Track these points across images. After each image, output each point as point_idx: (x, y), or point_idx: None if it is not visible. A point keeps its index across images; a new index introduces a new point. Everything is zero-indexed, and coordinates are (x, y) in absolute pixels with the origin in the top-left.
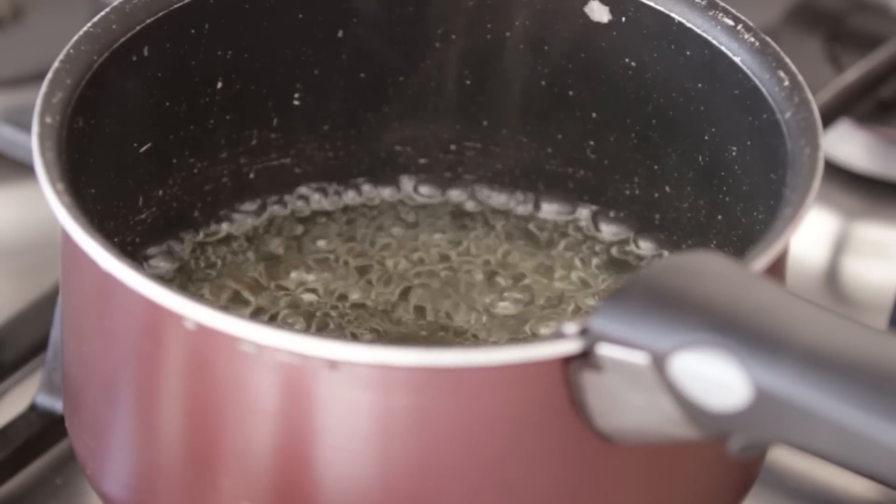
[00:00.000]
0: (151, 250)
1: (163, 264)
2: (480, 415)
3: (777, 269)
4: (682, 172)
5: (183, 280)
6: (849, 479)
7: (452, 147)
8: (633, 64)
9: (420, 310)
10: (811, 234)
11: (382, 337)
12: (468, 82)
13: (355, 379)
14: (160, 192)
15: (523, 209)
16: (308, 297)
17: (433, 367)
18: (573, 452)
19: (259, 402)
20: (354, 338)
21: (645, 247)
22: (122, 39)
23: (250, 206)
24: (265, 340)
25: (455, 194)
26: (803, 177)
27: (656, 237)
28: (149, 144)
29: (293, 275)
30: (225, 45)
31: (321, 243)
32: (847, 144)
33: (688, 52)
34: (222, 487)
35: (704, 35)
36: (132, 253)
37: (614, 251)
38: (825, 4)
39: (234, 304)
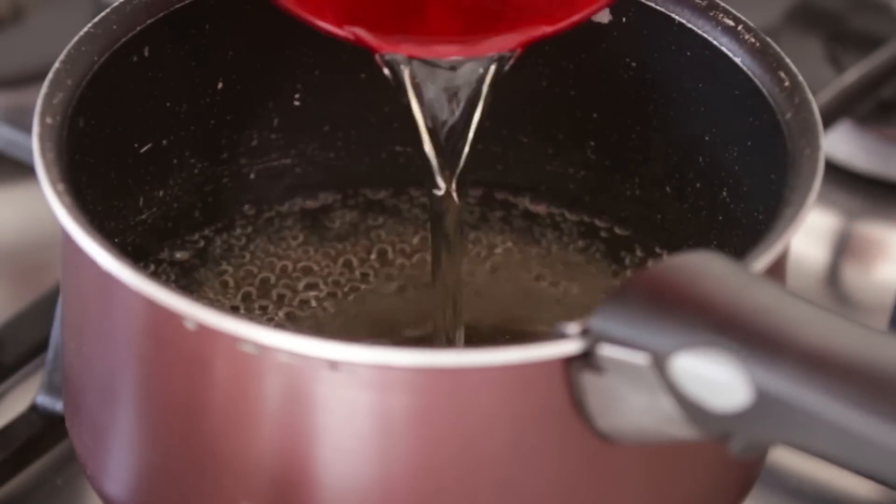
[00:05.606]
0: (152, 250)
1: (163, 264)
2: (480, 415)
3: (777, 270)
4: (682, 172)
5: (183, 280)
6: (849, 480)
7: None
8: (633, 64)
9: (419, 309)
10: (811, 234)
11: (385, 334)
12: None
13: (355, 379)
14: (161, 193)
15: (524, 209)
16: (310, 296)
17: (433, 367)
18: (573, 452)
19: (259, 402)
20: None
21: (645, 247)
22: (123, 40)
23: (251, 205)
24: (266, 341)
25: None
26: (804, 177)
27: (656, 237)
28: (149, 145)
29: (295, 274)
30: (225, 46)
31: (323, 243)
32: (847, 145)
33: (688, 53)
34: (222, 487)
35: (705, 36)
36: (132, 253)
37: (614, 251)
38: (825, 4)
39: (235, 303)
